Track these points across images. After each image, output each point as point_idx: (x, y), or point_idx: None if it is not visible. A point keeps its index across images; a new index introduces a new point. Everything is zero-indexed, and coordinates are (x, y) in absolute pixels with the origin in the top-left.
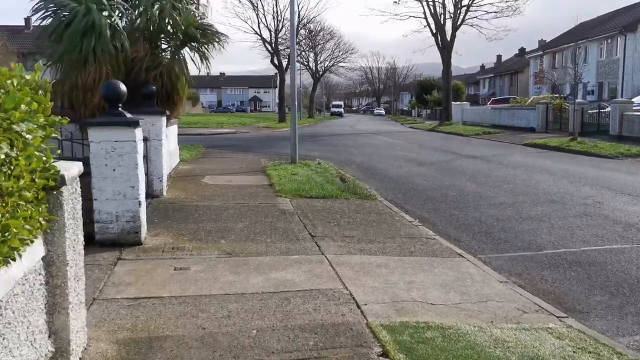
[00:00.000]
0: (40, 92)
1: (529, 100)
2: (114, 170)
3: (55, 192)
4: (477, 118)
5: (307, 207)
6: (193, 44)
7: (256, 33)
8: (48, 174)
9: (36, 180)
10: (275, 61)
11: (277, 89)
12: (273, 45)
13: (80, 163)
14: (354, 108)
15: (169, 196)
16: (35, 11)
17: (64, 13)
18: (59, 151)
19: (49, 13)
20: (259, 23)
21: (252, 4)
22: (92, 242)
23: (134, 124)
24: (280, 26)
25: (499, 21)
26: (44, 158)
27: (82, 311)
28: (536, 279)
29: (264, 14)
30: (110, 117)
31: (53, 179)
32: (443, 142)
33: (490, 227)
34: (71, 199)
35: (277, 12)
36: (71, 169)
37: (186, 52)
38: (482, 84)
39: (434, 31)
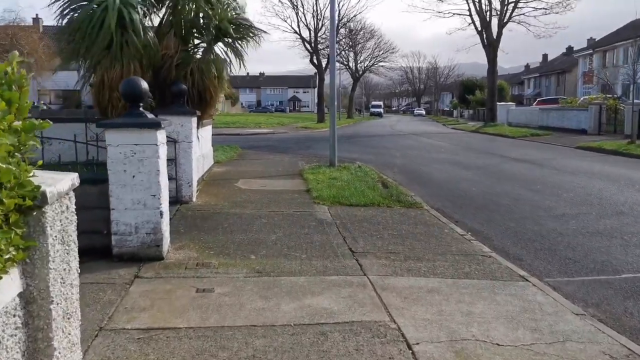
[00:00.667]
0: (14, 87)
1: (579, 101)
2: (133, 176)
3: (35, 213)
4: (524, 119)
5: (346, 217)
6: (226, 39)
7: (295, 32)
8: (23, 191)
9: (4, 200)
10: (315, 60)
11: (315, 89)
12: (312, 44)
13: (75, 174)
14: (394, 108)
15: (199, 202)
16: (65, 9)
17: (90, 7)
18: (40, 162)
19: (73, 7)
20: (298, 22)
21: (291, 2)
22: (109, 256)
23: (156, 126)
24: (320, 25)
25: (547, 18)
26: (17, 171)
27: (75, 355)
28: (619, 311)
29: (303, 13)
30: (130, 118)
31: (31, 197)
32: (489, 144)
33: (554, 244)
34: (60, 219)
35: (317, 10)
36: (59, 183)
37: (220, 48)
38: (527, 84)
39: (479, 29)
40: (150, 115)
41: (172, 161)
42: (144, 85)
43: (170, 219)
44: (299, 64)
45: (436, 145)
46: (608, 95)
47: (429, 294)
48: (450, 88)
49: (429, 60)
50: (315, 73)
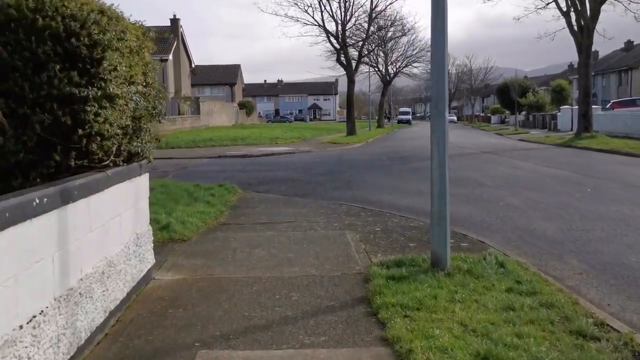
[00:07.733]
0: None
1: None
2: None
3: None
4: (621, 126)
5: None
6: None
7: (319, 25)
8: None
9: None
10: (343, 60)
11: (337, 96)
12: (340, 39)
13: None
14: (418, 114)
15: None
16: None
17: None
18: None
19: None
20: (321, 12)
21: None
22: None
23: None
24: (349, 16)
25: None
26: None
27: None
28: None
29: (328, 0)
30: None
31: None
32: (636, 172)
33: None
34: None
35: None
36: None
37: None
38: (576, 85)
39: (564, 9)
40: None
41: None
42: None
43: None
44: (320, 70)
45: (555, 175)
46: None
47: None
48: (481, 92)
49: (459, 61)
50: (336, 79)
